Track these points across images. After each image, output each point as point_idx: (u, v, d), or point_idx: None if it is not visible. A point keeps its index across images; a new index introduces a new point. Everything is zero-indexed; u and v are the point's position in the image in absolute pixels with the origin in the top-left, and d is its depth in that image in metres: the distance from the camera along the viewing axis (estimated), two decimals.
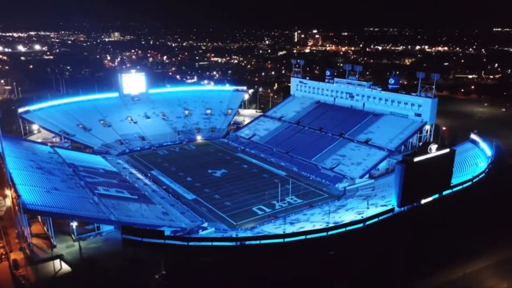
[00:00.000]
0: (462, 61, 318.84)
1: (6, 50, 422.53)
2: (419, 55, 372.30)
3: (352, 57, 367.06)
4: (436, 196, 63.17)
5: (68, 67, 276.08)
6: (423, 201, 61.57)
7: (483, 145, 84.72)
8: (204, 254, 48.63)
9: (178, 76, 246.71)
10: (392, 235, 54.80)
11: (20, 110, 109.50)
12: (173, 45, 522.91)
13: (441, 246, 57.07)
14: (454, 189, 65.19)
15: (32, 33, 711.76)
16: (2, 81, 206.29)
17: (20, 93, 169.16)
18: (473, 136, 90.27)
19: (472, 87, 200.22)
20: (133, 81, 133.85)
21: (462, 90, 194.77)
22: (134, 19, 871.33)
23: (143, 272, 47.23)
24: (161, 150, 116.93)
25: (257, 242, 50.82)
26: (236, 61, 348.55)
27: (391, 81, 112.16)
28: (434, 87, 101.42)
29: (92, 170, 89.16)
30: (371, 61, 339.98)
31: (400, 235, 54.82)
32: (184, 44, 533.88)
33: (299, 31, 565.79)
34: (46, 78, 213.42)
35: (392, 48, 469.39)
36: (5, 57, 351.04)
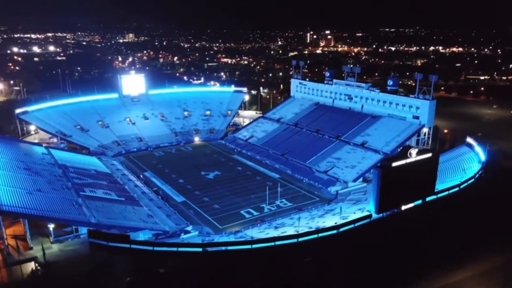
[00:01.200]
0: (476, 62, 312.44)
1: (22, 51, 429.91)
2: (432, 56, 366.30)
3: (363, 58, 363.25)
4: (419, 202, 61.10)
5: (79, 68, 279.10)
6: (403, 207, 59.53)
7: (478, 149, 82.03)
8: (169, 259, 47.76)
9: (185, 77, 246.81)
10: (368, 243, 52.97)
11: (18, 111, 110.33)
12: (186, 45, 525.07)
13: (422, 255, 55.02)
14: (439, 195, 63.00)
15: (50, 34, 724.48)
16: (12, 81, 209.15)
17: (25, 93, 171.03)
18: (469, 140, 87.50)
19: (482, 88, 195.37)
20: (133, 82, 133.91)
21: (471, 91, 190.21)
22: (149, 21, 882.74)
23: (109, 277, 46.52)
24: (157, 151, 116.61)
25: (223, 248, 49.70)
26: (246, 62, 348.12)
27: (389, 82, 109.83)
28: (432, 88, 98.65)
29: (82, 172, 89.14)
30: (382, 62, 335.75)
31: (378, 243, 52.97)
32: (196, 45, 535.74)
33: (311, 32, 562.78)
34: (55, 79, 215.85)
35: (406, 49, 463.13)
36: (19, 58, 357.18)
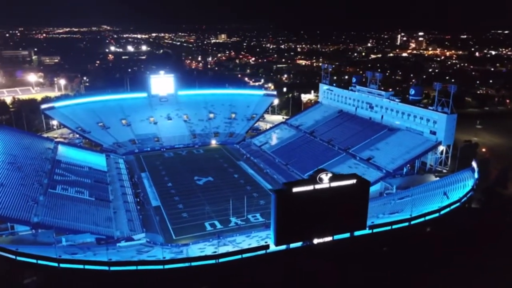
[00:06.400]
0: None
1: (117, 50, 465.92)
2: None
3: (450, 62, 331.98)
4: (346, 236, 51.21)
5: (154, 67, 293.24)
6: (316, 241, 50.23)
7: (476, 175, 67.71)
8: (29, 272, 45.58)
9: (246, 78, 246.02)
10: (254, 281, 45.11)
11: (43, 106, 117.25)
12: (271, 46, 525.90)
13: None
14: (375, 230, 52.39)
15: (154, 34, 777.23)
16: (85, 77, 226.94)
17: (84, 89, 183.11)
18: (474, 164, 72.77)
19: None
20: (162, 82, 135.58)
21: None
22: (248, 22, 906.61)
23: None
24: (169, 152, 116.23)
25: (81, 267, 45.95)
26: (320, 64, 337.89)
27: (411, 91, 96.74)
28: (451, 100, 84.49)
29: (73, 168, 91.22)
30: (471, 67, 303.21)
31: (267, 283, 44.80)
32: (282, 46, 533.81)
33: (402, 34, 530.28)
34: (122, 76, 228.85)
35: (510, 53, 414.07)
36: (112, 57, 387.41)
